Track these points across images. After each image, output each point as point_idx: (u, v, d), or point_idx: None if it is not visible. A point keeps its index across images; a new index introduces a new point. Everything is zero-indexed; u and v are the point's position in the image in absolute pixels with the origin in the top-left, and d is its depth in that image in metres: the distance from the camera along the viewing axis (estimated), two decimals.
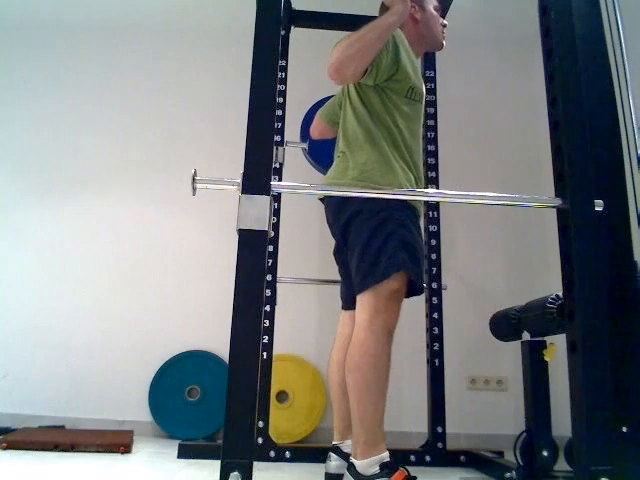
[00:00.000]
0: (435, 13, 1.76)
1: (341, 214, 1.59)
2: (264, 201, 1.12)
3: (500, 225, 3.09)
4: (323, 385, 2.78)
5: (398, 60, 1.57)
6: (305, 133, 2.42)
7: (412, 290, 1.54)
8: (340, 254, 1.73)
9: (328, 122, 1.96)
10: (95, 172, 3.15)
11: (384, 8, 1.70)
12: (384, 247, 1.48)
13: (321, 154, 2.45)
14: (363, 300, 1.50)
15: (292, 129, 2.50)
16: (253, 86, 1.20)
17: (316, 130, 2.04)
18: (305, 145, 2.51)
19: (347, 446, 1.65)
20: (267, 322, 2.22)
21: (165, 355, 2.84)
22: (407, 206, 1.55)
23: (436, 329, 2.31)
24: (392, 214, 1.51)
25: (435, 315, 2.33)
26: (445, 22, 1.79)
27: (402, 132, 1.61)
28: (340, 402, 1.71)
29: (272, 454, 2.11)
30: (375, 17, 1.82)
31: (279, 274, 2.34)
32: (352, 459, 1.44)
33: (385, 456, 1.41)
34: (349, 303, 1.70)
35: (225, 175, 1.20)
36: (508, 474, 1.73)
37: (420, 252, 1.55)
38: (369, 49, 1.48)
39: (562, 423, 1.64)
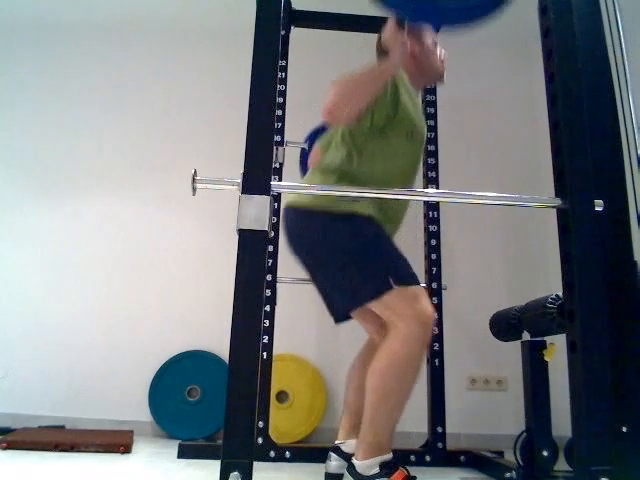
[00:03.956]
0: (433, 48, 1.71)
1: (301, 245, 1.59)
2: (264, 201, 1.12)
3: (500, 225, 3.09)
4: (323, 385, 2.78)
5: (398, 102, 1.54)
6: (304, 165, 2.44)
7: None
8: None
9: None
10: (95, 172, 3.15)
11: (381, 46, 1.69)
12: (368, 266, 1.48)
13: None
14: (378, 310, 1.49)
15: (292, 129, 2.50)
16: (253, 86, 1.20)
17: (315, 160, 2.02)
18: (305, 145, 2.51)
19: (348, 446, 1.65)
20: (267, 322, 2.22)
21: (165, 355, 2.83)
22: (368, 219, 1.53)
23: (436, 329, 2.30)
24: (356, 231, 1.50)
25: (435, 315, 2.32)
26: (444, 56, 1.74)
27: (396, 178, 1.60)
28: (354, 401, 1.68)
29: (272, 454, 2.11)
30: (375, 17, 1.82)
31: (279, 274, 2.34)
32: (353, 459, 1.44)
33: (387, 457, 1.41)
34: (337, 318, 1.70)
35: (225, 175, 1.20)
36: (508, 474, 1.73)
37: (399, 258, 1.54)
38: (363, 96, 1.46)
39: (562, 423, 1.64)
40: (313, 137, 2.43)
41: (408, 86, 1.64)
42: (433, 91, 2.56)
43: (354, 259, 1.49)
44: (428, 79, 1.79)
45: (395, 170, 1.62)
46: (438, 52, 1.73)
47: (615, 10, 1.74)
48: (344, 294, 1.55)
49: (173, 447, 2.16)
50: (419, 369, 1.44)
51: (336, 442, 1.72)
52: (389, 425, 1.43)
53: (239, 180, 1.15)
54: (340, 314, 1.69)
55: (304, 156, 2.51)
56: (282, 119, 2.44)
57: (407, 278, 1.49)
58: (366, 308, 1.51)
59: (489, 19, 1.17)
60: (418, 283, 1.51)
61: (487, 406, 2.86)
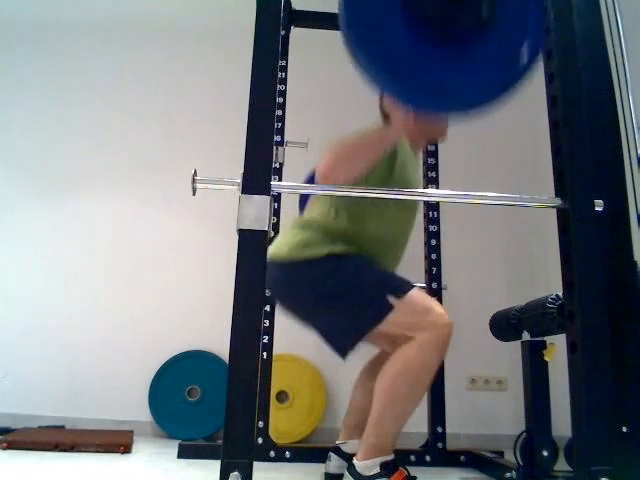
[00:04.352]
0: None
1: (288, 293, 1.58)
2: (264, 201, 1.12)
3: (500, 225, 3.09)
4: (323, 385, 2.78)
5: (393, 167, 1.52)
6: (303, 205, 2.43)
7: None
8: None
9: None
10: (95, 172, 3.15)
11: (383, 106, 1.65)
12: (360, 295, 1.46)
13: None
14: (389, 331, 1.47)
15: (292, 129, 2.50)
16: (253, 86, 1.20)
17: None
18: (306, 145, 2.51)
19: (349, 446, 1.65)
20: (267, 322, 2.22)
21: (165, 355, 2.83)
22: (343, 256, 1.51)
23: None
24: (339, 266, 1.48)
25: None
26: (446, 125, 1.67)
27: (386, 245, 1.59)
28: (360, 402, 1.68)
29: (272, 454, 2.11)
30: None
31: None
32: (354, 459, 1.44)
33: (387, 458, 1.41)
34: (347, 349, 1.60)
35: (225, 175, 1.20)
36: (508, 474, 1.73)
37: (387, 274, 1.53)
38: (362, 162, 1.43)
39: (562, 423, 1.64)
40: (311, 179, 2.41)
41: (407, 149, 1.60)
42: None
43: (344, 295, 1.47)
44: (431, 138, 1.75)
45: (383, 234, 1.59)
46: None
47: (615, 10, 1.74)
48: (345, 330, 1.50)
49: (173, 447, 2.16)
50: (432, 378, 1.42)
51: (337, 442, 1.72)
52: (393, 429, 1.42)
53: (239, 180, 1.15)
54: (346, 349, 1.57)
55: (303, 197, 2.50)
56: (282, 119, 2.44)
57: (403, 286, 1.46)
58: (375, 332, 1.47)
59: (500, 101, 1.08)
60: (413, 285, 1.49)
61: (487, 406, 2.86)
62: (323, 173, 1.42)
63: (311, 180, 2.22)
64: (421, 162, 2.39)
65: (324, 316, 1.53)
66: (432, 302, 1.47)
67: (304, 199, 2.38)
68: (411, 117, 1.41)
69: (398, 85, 1.05)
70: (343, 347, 1.54)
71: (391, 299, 1.42)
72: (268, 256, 1.49)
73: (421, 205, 1.65)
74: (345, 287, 1.47)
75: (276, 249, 1.55)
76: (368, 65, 1.03)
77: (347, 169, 1.42)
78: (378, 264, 1.57)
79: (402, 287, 1.45)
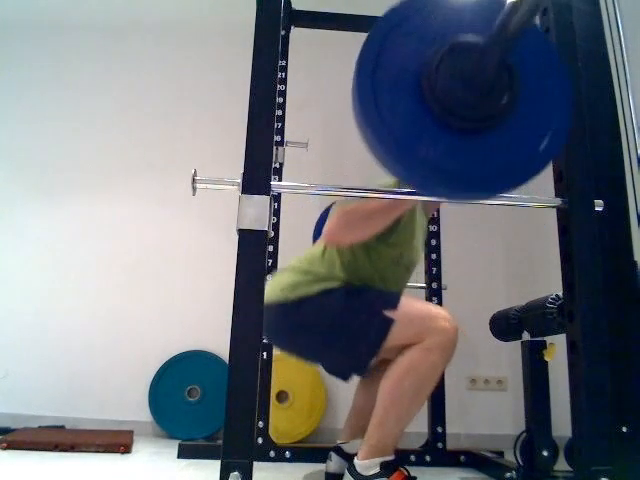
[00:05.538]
0: None
1: (283, 334, 1.56)
2: (264, 201, 1.12)
3: (500, 225, 3.09)
4: (323, 385, 2.78)
5: (397, 228, 1.51)
6: (318, 232, 2.45)
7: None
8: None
9: None
10: (95, 172, 3.15)
11: None
12: (356, 322, 1.44)
13: None
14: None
15: (292, 129, 2.49)
16: (253, 86, 1.20)
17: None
18: (305, 145, 2.51)
19: (351, 446, 1.65)
20: None
21: (165, 355, 2.83)
22: (335, 289, 1.50)
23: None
24: (328, 300, 1.47)
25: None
26: None
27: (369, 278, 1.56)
28: (363, 405, 1.68)
29: (272, 454, 2.11)
30: (374, 17, 1.82)
31: None
32: (355, 459, 1.44)
33: (388, 458, 1.41)
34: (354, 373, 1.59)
35: (225, 175, 1.20)
36: (508, 474, 1.73)
37: (374, 293, 1.52)
38: (370, 228, 1.43)
39: (562, 423, 1.64)
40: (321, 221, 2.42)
41: (416, 210, 1.59)
42: None
43: (341, 325, 1.45)
44: (439, 202, 1.74)
45: (375, 283, 1.57)
46: None
47: (615, 10, 1.74)
48: (351, 358, 1.49)
49: (173, 447, 2.16)
50: (437, 381, 1.41)
51: (338, 442, 1.72)
52: (396, 431, 1.42)
53: (239, 180, 1.14)
54: (360, 372, 1.57)
55: (319, 224, 2.52)
56: (282, 119, 2.44)
57: (393, 299, 1.45)
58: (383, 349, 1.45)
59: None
60: (398, 296, 1.47)
61: (487, 406, 2.86)
62: (331, 236, 1.44)
63: (322, 223, 2.22)
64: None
65: (328, 350, 1.51)
66: (431, 306, 1.47)
67: (317, 233, 2.39)
68: None
69: (420, 178, 1.00)
70: (356, 372, 1.54)
71: (388, 313, 1.41)
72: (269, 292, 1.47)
73: (420, 260, 1.64)
74: (340, 317, 1.45)
75: (270, 292, 1.51)
76: (395, 167, 0.99)
77: (355, 234, 1.44)
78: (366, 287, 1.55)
79: (393, 299, 1.44)
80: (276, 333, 1.57)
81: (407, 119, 0.96)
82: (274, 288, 1.54)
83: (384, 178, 1.41)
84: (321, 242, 1.60)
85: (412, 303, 1.46)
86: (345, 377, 1.56)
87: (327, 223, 1.45)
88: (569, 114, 1.03)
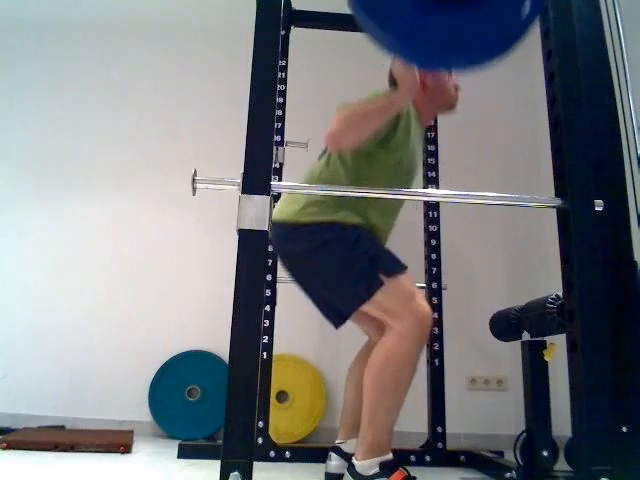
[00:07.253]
0: (445, 77, 1.68)
1: (289, 251, 1.61)
2: (264, 201, 1.12)
3: (500, 225, 3.09)
4: (323, 385, 2.78)
5: (395, 133, 1.55)
6: None
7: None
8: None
9: None
10: (95, 172, 3.15)
11: (392, 77, 1.65)
12: (355, 267, 1.48)
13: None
14: (372, 311, 1.50)
15: (292, 129, 2.49)
16: (253, 86, 1.20)
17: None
18: (306, 145, 2.50)
19: (349, 446, 1.65)
20: (267, 322, 2.22)
21: (165, 355, 2.84)
22: (351, 226, 1.54)
23: (436, 329, 2.30)
24: (342, 235, 1.51)
25: (435, 315, 2.33)
26: (458, 84, 1.71)
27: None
28: (353, 401, 1.70)
29: (272, 454, 2.11)
30: None
31: (279, 274, 2.34)
32: (353, 459, 1.44)
33: (386, 457, 1.41)
34: (336, 322, 1.68)
35: (225, 175, 1.20)
36: (508, 474, 1.73)
37: (383, 251, 1.56)
38: (370, 128, 1.47)
39: (562, 423, 1.64)
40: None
41: (411, 118, 1.61)
42: None
43: (340, 265, 1.50)
44: (439, 109, 1.76)
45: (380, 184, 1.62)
46: (451, 80, 1.69)
47: (615, 10, 1.74)
48: (339, 299, 1.57)
49: (173, 447, 2.16)
50: (415, 366, 1.45)
51: (336, 442, 1.72)
52: (387, 423, 1.43)
53: (239, 180, 1.15)
54: (338, 319, 1.67)
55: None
56: (282, 119, 2.44)
57: (394, 267, 1.49)
58: (362, 311, 1.52)
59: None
60: (405, 267, 1.51)
61: (487, 406, 2.86)
62: (332, 137, 1.46)
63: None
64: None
65: (323, 282, 1.57)
66: (416, 290, 1.50)
67: None
68: (419, 80, 1.48)
69: (406, 45, 1.08)
70: (337, 317, 1.63)
71: (382, 276, 1.45)
72: (274, 216, 1.54)
73: (420, 165, 1.68)
74: (342, 257, 1.50)
75: (283, 211, 1.58)
76: (375, 29, 1.05)
77: (355, 133, 1.46)
78: (378, 236, 1.62)
79: (394, 267, 1.48)
80: (283, 246, 1.62)
81: None
82: (288, 206, 1.59)
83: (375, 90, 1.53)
84: (324, 155, 1.64)
85: (405, 281, 1.49)
86: (336, 322, 1.65)
87: (327, 128, 1.47)
88: None
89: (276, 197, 2.24)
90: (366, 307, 1.48)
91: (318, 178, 1.62)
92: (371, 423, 1.42)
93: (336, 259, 1.51)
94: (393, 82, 1.66)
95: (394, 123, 1.54)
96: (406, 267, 1.51)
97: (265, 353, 2.19)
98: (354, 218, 1.55)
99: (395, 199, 1.66)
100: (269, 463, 2.07)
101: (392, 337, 1.43)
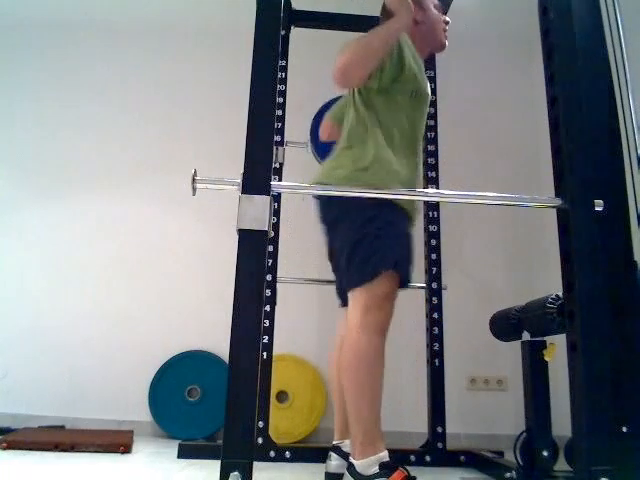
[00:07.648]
0: (436, 12, 1.74)
1: (328, 212, 1.61)
2: (264, 201, 1.12)
3: (500, 225, 3.09)
4: (323, 385, 2.78)
5: (402, 62, 1.57)
6: (315, 134, 2.42)
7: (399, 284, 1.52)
8: (332, 251, 1.73)
9: (336, 123, 1.93)
10: (95, 172, 3.15)
11: (386, 10, 1.68)
12: (373, 245, 1.47)
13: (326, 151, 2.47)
14: (354, 298, 1.50)
15: (292, 129, 2.50)
16: (253, 86, 1.20)
17: (325, 132, 2.02)
18: (306, 145, 2.51)
19: (347, 445, 1.65)
20: (267, 322, 2.22)
21: (165, 355, 2.83)
22: (396, 207, 1.54)
23: (436, 329, 2.31)
24: (381, 212, 1.50)
25: (435, 315, 2.33)
26: (447, 19, 1.76)
27: (403, 133, 1.61)
28: (340, 401, 1.71)
29: (272, 454, 2.11)
30: (375, 17, 1.82)
31: (279, 274, 2.34)
32: (351, 459, 1.44)
33: (383, 456, 1.41)
34: (345, 300, 1.69)
35: (225, 175, 1.20)
36: (508, 474, 1.73)
37: (409, 250, 1.55)
38: (374, 55, 1.50)
39: (562, 423, 1.64)
40: (323, 110, 2.40)
41: (412, 47, 1.65)
42: (433, 91, 2.56)
43: (363, 241, 1.49)
44: (430, 46, 1.79)
45: (415, 131, 1.66)
46: (441, 18, 1.74)
47: (615, 10, 1.74)
48: (356, 268, 1.53)
49: (173, 447, 2.16)
50: (383, 355, 1.46)
51: (334, 442, 1.73)
52: (373, 417, 1.43)
53: (239, 180, 1.15)
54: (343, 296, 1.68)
55: (315, 127, 2.50)
56: (282, 119, 2.44)
57: (398, 265, 1.48)
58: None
59: None
60: (407, 273, 1.51)
61: (487, 406, 2.86)
62: (340, 70, 1.48)
63: (326, 107, 2.22)
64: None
65: (346, 249, 1.54)
66: (390, 301, 1.50)
67: (316, 130, 2.38)
68: (413, 9, 1.58)
69: None
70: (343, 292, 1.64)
71: (382, 268, 1.45)
72: (319, 180, 1.59)
73: (428, 95, 1.73)
74: (374, 232, 1.49)
75: (327, 177, 1.59)
76: None
77: (361, 64, 1.49)
78: (409, 218, 1.62)
79: (396, 265, 1.47)
80: (327, 204, 1.62)
81: None
82: (332, 171, 1.60)
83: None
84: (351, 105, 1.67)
85: (392, 282, 1.49)
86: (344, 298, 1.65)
87: (334, 67, 1.49)
88: None
89: (276, 197, 2.26)
90: (358, 290, 1.48)
91: (354, 135, 1.62)
92: (358, 422, 1.43)
93: (365, 233, 1.49)
94: (387, 16, 1.68)
95: (398, 52, 1.56)
96: (408, 273, 1.51)
97: (265, 353, 2.19)
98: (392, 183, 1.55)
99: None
100: (269, 463, 2.07)
101: (352, 333, 1.45)
